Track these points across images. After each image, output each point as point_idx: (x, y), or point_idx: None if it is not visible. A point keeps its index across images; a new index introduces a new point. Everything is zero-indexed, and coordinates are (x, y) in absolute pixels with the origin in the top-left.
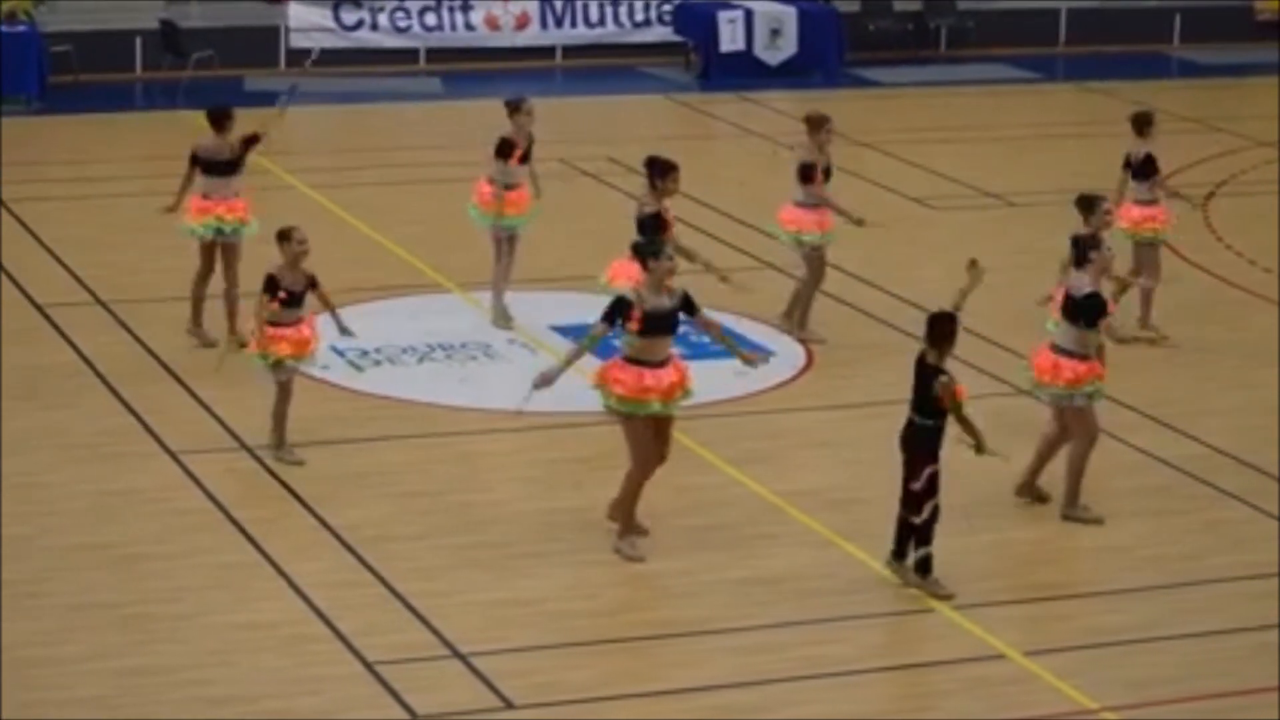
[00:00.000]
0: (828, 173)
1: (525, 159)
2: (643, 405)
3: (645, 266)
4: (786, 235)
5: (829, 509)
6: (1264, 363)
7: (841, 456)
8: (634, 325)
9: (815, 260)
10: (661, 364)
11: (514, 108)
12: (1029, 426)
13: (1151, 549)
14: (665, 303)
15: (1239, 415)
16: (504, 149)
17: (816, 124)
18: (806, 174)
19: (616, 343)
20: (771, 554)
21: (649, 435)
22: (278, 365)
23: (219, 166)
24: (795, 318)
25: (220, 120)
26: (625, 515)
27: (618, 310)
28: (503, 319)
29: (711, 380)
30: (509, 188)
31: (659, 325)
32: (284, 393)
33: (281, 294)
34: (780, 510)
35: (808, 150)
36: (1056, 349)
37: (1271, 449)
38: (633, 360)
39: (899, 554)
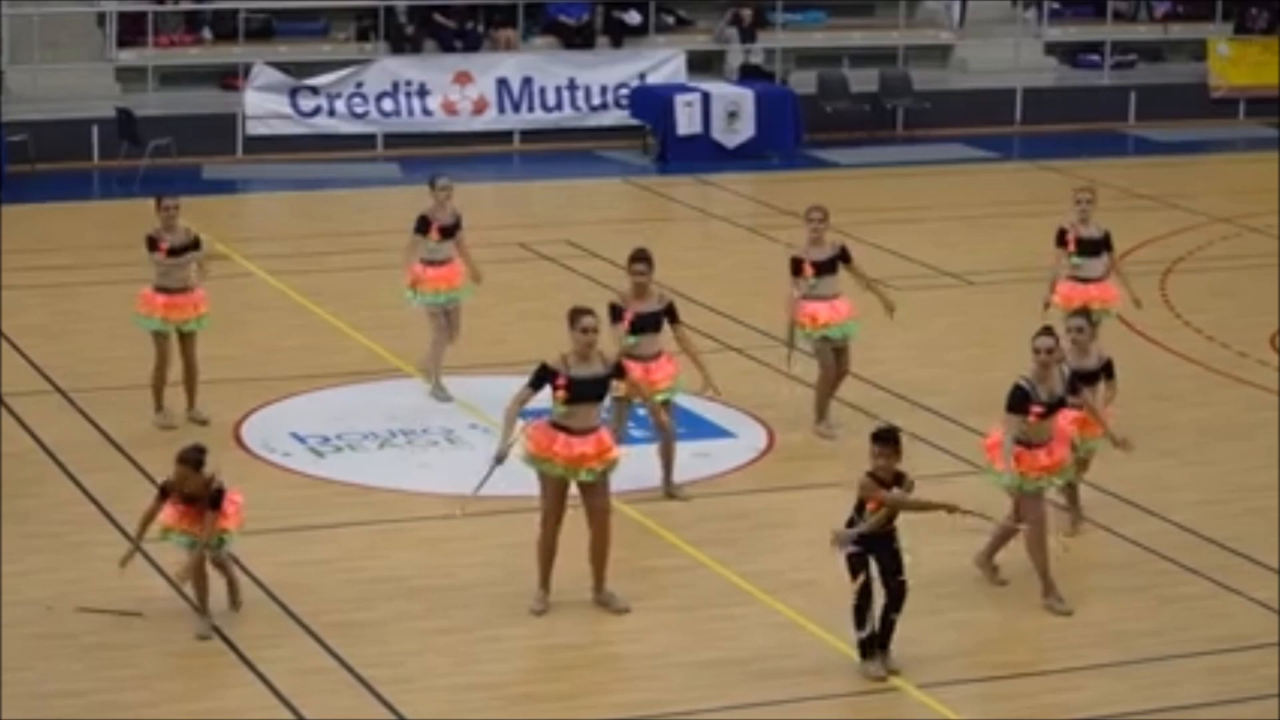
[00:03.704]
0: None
1: (446, 234)
2: (549, 466)
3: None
4: (800, 331)
5: (792, 590)
6: (1223, 438)
7: (803, 537)
8: (560, 394)
9: (824, 354)
10: (582, 433)
11: (430, 185)
12: (989, 507)
13: (1114, 625)
14: (592, 370)
15: (1200, 491)
16: (421, 225)
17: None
18: (794, 268)
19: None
20: (735, 635)
21: (558, 496)
22: (192, 545)
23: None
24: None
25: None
26: (540, 570)
27: (541, 377)
28: (440, 392)
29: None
30: (436, 264)
31: (585, 392)
32: (199, 570)
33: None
34: (744, 592)
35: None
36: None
37: (1233, 525)
38: (554, 424)
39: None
